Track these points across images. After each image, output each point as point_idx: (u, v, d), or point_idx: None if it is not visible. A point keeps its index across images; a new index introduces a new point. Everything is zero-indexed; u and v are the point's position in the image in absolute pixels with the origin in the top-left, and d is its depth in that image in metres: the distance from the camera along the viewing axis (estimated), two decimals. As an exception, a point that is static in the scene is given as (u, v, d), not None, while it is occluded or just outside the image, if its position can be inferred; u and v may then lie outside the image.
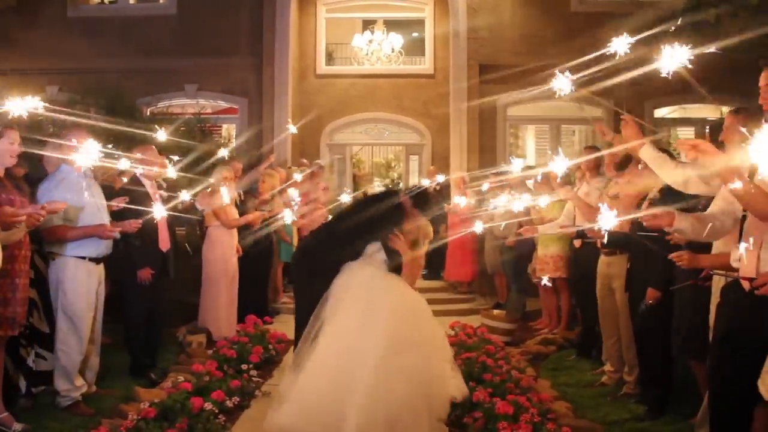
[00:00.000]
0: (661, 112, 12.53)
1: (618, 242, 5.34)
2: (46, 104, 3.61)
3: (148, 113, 11.70)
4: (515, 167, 6.26)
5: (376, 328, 4.09)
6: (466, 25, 11.93)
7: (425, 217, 4.71)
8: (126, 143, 6.75)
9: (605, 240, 5.42)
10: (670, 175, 3.96)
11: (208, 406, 4.67)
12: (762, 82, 3.39)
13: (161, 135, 5.76)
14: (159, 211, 4.61)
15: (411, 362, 4.03)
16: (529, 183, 8.04)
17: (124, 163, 4.77)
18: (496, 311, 8.30)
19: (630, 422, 4.84)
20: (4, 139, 4.20)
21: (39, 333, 4.72)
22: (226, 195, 6.89)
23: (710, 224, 3.31)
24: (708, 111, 12.35)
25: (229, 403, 4.99)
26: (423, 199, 4.79)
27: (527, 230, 6.89)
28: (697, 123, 12.44)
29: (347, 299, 4.27)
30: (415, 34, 14.10)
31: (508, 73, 11.41)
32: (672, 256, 3.87)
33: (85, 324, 4.86)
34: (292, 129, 10.61)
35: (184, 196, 5.08)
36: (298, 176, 8.61)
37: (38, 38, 11.98)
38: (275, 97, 12.29)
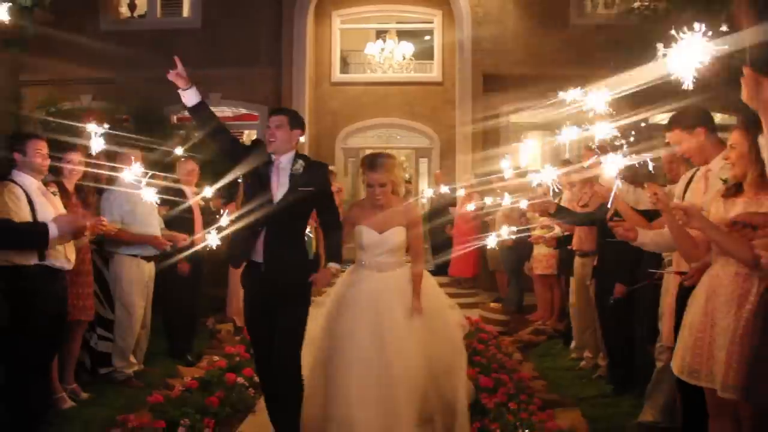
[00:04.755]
0: (657, 118, 13.14)
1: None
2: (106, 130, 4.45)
3: (176, 120, 12.56)
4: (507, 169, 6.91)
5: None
6: (471, 36, 12.64)
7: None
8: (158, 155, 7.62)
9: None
10: (625, 195, 4.81)
11: (240, 380, 5.57)
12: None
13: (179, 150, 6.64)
14: (213, 240, 5.07)
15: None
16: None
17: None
18: (493, 304, 9.10)
19: (597, 398, 5.62)
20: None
21: (102, 319, 5.65)
22: None
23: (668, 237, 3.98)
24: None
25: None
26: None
27: (536, 239, 7.69)
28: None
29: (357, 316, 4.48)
30: (427, 37, 14.75)
31: (510, 82, 12.18)
32: (609, 223, 4.10)
33: (137, 312, 5.81)
34: (301, 138, 11.43)
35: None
36: None
37: (74, 50, 12.71)
38: (293, 103, 12.85)
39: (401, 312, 4.46)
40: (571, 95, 3.99)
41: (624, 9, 10.49)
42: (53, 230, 3.72)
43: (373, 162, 4.58)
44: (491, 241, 5.85)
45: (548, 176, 4.46)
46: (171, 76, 4.23)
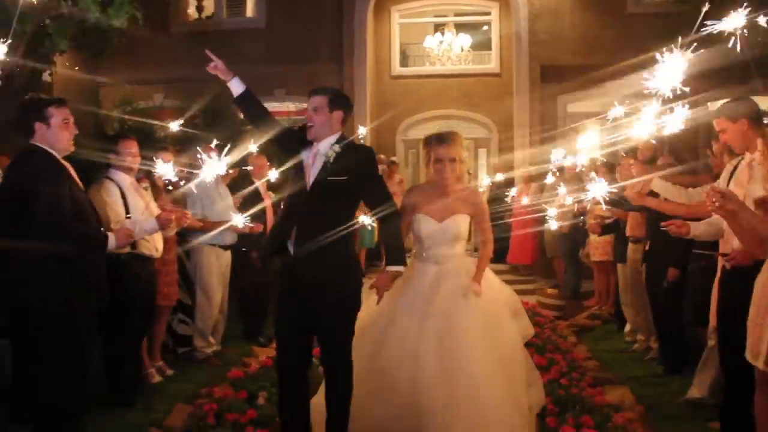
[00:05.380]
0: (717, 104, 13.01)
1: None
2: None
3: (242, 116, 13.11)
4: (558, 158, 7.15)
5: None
6: (528, 27, 12.85)
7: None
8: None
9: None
10: (677, 197, 5.03)
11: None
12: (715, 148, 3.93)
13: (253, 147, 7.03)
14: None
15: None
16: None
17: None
18: (550, 290, 9.37)
19: (647, 378, 5.89)
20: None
21: (183, 304, 6.19)
22: None
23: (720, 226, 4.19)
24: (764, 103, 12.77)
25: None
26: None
27: (593, 228, 7.91)
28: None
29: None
30: (485, 28, 14.92)
31: (567, 72, 12.31)
32: (663, 224, 4.45)
33: (216, 297, 6.33)
34: (362, 131, 11.83)
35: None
36: None
37: (146, 52, 13.31)
38: (354, 98, 13.18)
39: (458, 315, 4.10)
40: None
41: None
42: (112, 242, 4.07)
43: (442, 136, 4.29)
44: (552, 223, 6.33)
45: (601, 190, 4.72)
46: (210, 69, 4.12)
